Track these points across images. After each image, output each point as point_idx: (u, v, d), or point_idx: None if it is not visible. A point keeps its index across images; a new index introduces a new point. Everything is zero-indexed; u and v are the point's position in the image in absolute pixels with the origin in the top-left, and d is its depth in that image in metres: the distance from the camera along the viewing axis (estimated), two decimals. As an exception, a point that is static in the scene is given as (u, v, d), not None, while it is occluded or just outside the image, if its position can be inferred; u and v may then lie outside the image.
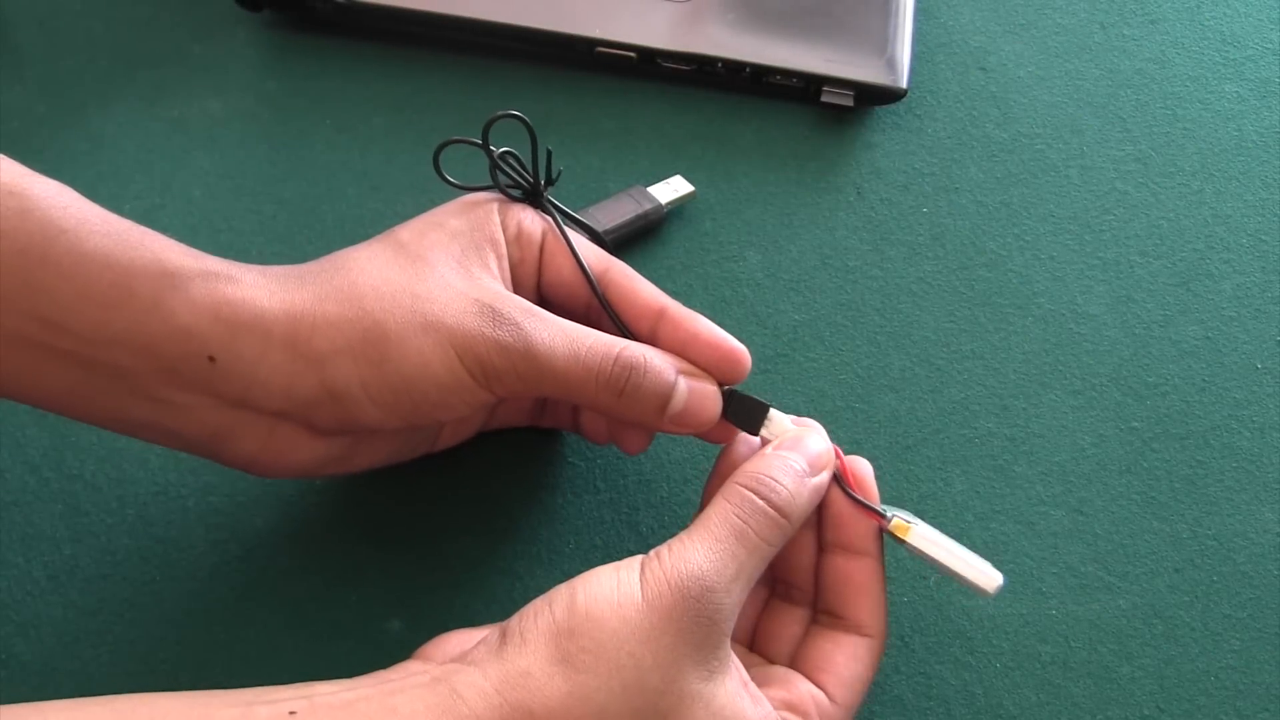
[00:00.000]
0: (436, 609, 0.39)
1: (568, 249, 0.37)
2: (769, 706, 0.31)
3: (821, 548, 0.36)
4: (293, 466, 0.35)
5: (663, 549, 0.31)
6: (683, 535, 0.32)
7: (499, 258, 0.36)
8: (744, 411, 0.36)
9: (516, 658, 0.29)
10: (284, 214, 0.46)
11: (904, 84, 0.48)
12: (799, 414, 0.43)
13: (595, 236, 0.40)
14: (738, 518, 0.32)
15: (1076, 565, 0.40)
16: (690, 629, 0.30)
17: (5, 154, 0.34)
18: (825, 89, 0.48)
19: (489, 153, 0.36)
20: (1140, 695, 0.38)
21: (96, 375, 0.32)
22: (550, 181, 0.38)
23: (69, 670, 0.37)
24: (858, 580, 0.35)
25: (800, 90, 0.49)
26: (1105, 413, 0.43)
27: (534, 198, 0.38)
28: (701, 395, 0.35)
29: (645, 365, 0.34)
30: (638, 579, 0.30)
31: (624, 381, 0.34)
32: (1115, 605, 0.40)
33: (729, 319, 0.44)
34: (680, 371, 0.35)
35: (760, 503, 0.32)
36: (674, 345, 0.36)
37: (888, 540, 0.35)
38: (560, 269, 0.37)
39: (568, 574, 0.40)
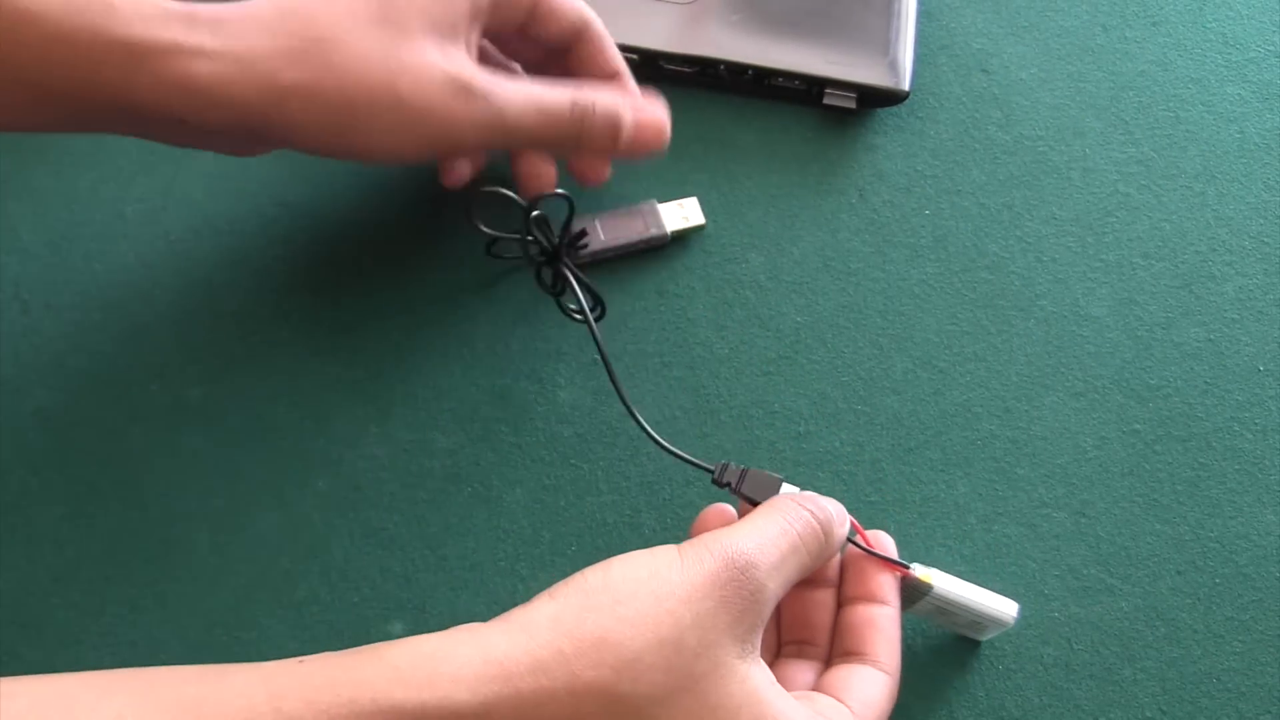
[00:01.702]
0: (438, 611, 0.39)
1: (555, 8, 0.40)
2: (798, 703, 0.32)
3: (841, 603, 0.37)
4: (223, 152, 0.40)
5: (703, 535, 0.32)
6: (724, 527, 0.32)
7: (476, 22, 0.38)
8: (758, 486, 0.37)
9: (545, 607, 0.30)
10: (286, 216, 0.46)
11: (906, 86, 0.48)
12: (800, 415, 0.43)
13: (596, 300, 0.42)
14: (786, 520, 0.33)
15: (1079, 567, 0.40)
16: (731, 598, 0.30)
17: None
18: (828, 91, 0.48)
19: (527, 213, 0.40)
20: (1143, 697, 0.38)
21: (73, 123, 0.36)
22: (574, 247, 0.42)
23: (71, 672, 0.37)
24: (878, 623, 0.35)
25: (802, 92, 0.49)
26: (1107, 415, 0.43)
27: (553, 259, 0.41)
28: (652, 117, 0.40)
29: (594, 104, 0.38)
30: (675, 552, 0.31)
31: (580, 124, 0.38)
32: (1118, 607, 0.40)
33: (731, 321, 0.44)
34: (630, 104, 0.40)
35: (806, 514, 0.33)
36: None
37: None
38: (548, 23, 0.40)
39: (569, 575, 0.40)
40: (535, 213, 0.40)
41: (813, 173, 0.48)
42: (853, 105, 0.48)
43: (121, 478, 0.40)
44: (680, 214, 0.46)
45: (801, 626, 0.37)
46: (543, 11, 0.40)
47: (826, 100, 0.49)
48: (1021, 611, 0.38)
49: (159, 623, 0.38)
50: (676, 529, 0.41)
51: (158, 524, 0.40)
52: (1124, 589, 0.40)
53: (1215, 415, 0.43)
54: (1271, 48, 0.51)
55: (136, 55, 0.33)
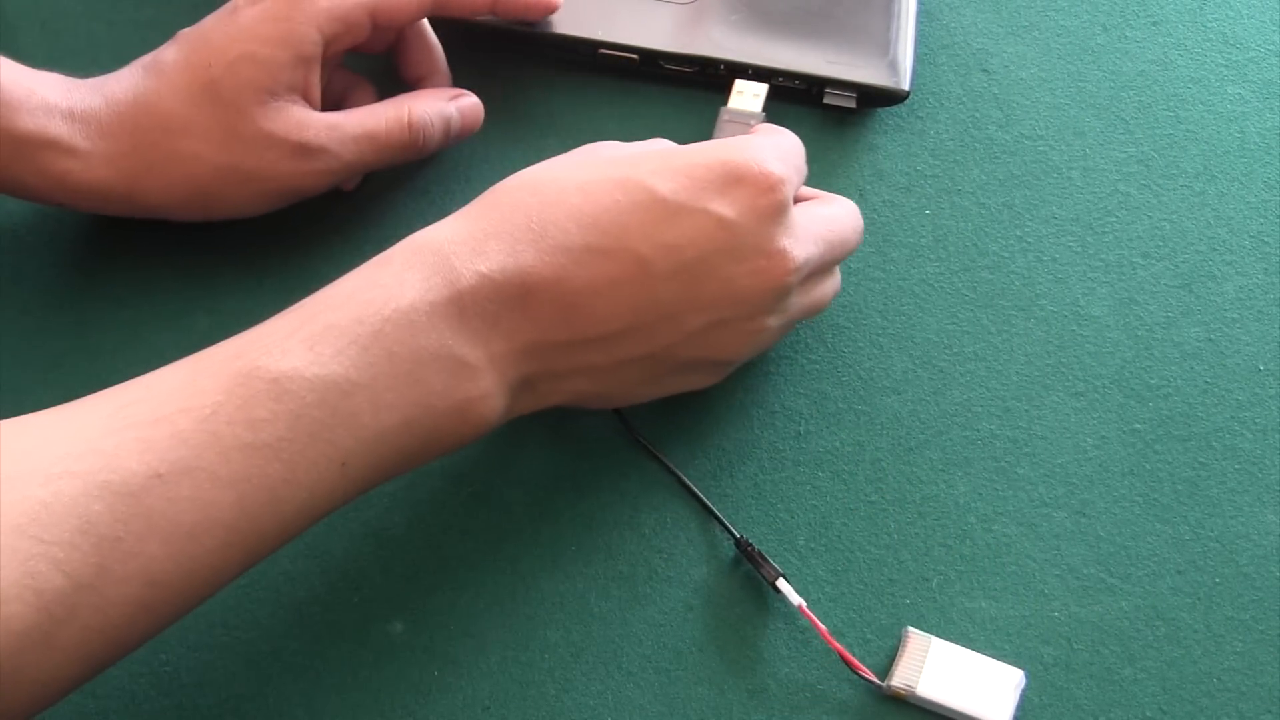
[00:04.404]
0: (439, 610, 0.39)
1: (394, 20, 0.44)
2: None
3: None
4: None
5: None
6: None
7: (311, 69, 0.42)
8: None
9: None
10: (286, 215, 0.46)
11: (906, 86, 0.48)
12: (800, 415, 0.43)
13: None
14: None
15: (1079, 567, 0.40)
16: None
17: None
18: (828, 91, 0.48)
19: None
20: (1143, 697, 0.38)
21: None
22: None
23: (71, 672, 0.37)
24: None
25: (803, 92, 0.49)
26: (1107, 415, 0.43)
27: None
28: (473, 108, 0.46)
29: (425, 115, 0.43)
30: None
31: (419, 135, 0.43)
32: (1118, 607, 0.40)
33: (731, 321, 0.44)
34: (451, 99, 0.45)
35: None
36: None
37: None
38: (386, 33, 0.46)
39: (571, 575, 0.40)
40: None
41: (813, 172, 0.48)
42: (853, 105, 0.48)
43: (122, 478, 0.40)
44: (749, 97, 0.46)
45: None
46: (381, 24, 0.43)
47: (826, 100, 0.49)
48: (1026, 677, 0.38)
49: (159, 623, 0.38)
50: (676, 527, 0.41)
51: (158, 524, 0.40)
52: (1124, 589, 0.40)
53: (1215, 415, 0.43)
54: (1271, 47, 0.51)
55: (21, 147, 0.38)
